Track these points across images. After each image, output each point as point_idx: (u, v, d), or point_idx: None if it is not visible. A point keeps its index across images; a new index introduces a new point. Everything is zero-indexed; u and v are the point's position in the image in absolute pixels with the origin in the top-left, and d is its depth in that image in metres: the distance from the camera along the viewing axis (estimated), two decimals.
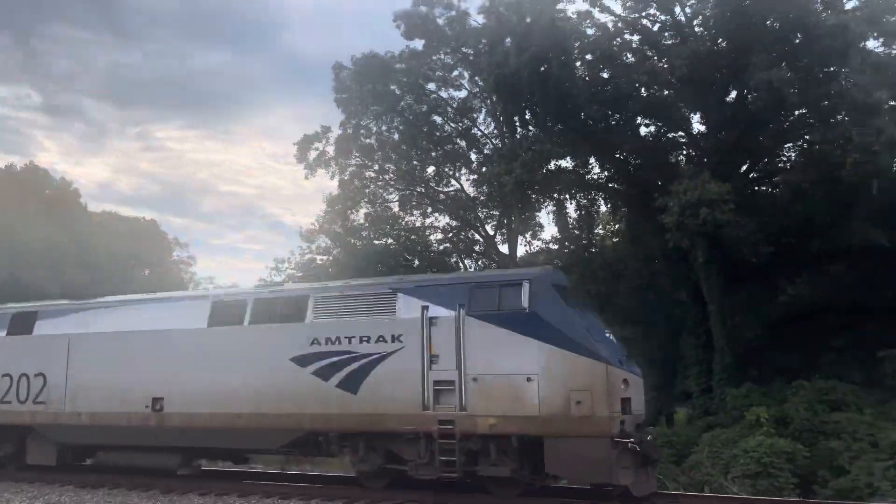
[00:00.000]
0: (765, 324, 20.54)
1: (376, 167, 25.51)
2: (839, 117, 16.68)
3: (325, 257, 26.03)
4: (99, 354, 13.35)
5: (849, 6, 17.77)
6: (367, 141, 24.84)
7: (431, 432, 10.49)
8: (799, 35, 16.75)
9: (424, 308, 10.89)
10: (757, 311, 20.76)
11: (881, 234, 16.49)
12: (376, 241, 25.15)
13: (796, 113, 18.46)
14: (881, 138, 14.81)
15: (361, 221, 25.57)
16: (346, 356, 11.20)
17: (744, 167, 20.27)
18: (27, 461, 14.27)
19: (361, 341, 11.15)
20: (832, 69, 16.88)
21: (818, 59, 16.85)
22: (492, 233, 25.90)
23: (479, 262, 26.32)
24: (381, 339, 11.04)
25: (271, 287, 15.18)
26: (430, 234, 26.38)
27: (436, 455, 10.45)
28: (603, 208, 24.89)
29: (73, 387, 13.52)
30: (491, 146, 24.32)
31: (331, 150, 24.88)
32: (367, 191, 25.80)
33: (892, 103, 17.29)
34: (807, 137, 18.92)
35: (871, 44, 18.19)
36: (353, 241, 24.86)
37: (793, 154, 19.83)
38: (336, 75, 24.28)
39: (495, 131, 24.40)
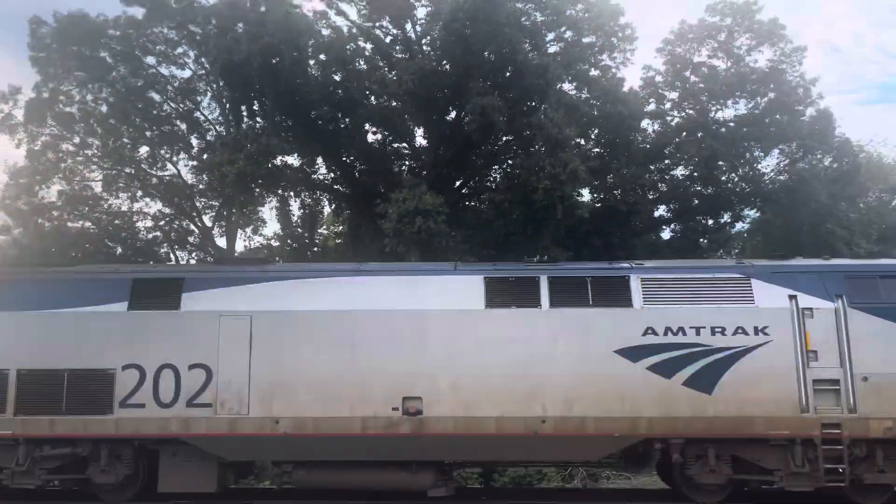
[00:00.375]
0: None
1: (77, 140, 22.54)
2: (537, 147, 18.91)
3: (1, 237, 22.31)
4: (308, 340, 10.00)
5: (551, 51, 20.36)
6: (68, 109, 21.87)
7: (812, 437, 9.62)
8: (510, 69, 18.64)
9: (792, 297, 9.99)
10: None
11: (562, 252, 19.04)
12: (71, 224, 22.25)
13: (504, 139, 20.53)
14: (567, 170, 17.14)
15: (53, 199, 22.42)
16: (695, 350, 9.77)
17: (458, 182, 21.99)
18: (158, 488, 10.28)
19: (713, 333, 9.82)
20: (534, 104, 19.09)
21: (524, 94, 18.94)
22: (209, 224, 24.52)
23: (194, 255, 24.76)
24: (739, 330, 9.82)
25: (565, 263, 12.10)
26: (138, 221, 24.13)
27: (819, 462, 9.60)
28: (327, 208, 25.14)
29: (263, 383, 9.96)
30: (215, 133, 23.00)
31: (19, 114, 21.46)
32: (64, 165, 22.65)
33: (578, 141, 20.22)
34: (510, 162, 21.13)
35: (567, 86, 21.09)
36: (40, 220, 21.66)
37: (498, 175, 22.00)
38: (33, 31, 20.97)
39: (220, 118, 23.11)
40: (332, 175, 22.96)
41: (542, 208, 17.95)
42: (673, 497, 10.60)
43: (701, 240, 23.94)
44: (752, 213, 23.77)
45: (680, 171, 23.39)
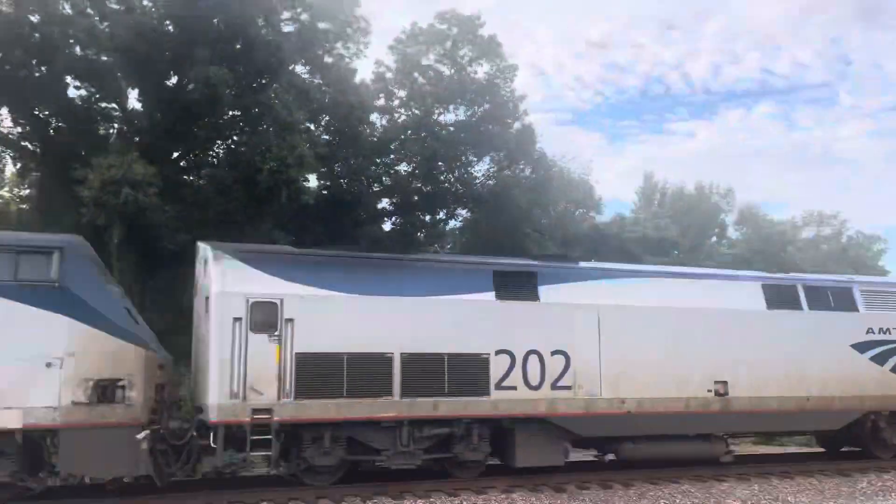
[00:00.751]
0: (177, 311, 20.94)
1: None
2: (265, 126, 18.36)
3: None
4: (643, 331, 11.97)
5: (286, 30, 19.89)
6: None
7: None
8: (241, 41, 17.83)
9: None
10: (172, 298, 21.04)
11: (284, 236, 18.80)
12: None
13: (230, 114, 19.58)
14: (295, 153, 16.93)
15: None
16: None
17: (175, 154, 20.43)
18: (517, 463, 11.34)
19: None
20: (265, 82, 18.51)
21: (255, 70, 18.27)
22: None
23: None
24: None
25: (802, 275, 15.18)
26: None
27: None
28: (10, 167, 21.65)
29: (611, 368, 11.74)
30: None
31: None
32: None
33: (308, 125, 20.08)
34: (235, 139, 20.23)
35: (300, 69, 20.79)
36: None
37: (222, 151, 20.91)
38: None
39: None
40: (19, 130, 19.81)
41: (267, 190, 17.51)
42: (822, 458, 14.54)
43: (419, 233, 25.38)
44: (463, 213, 25.85)
45: (403, 168, 24.54)
